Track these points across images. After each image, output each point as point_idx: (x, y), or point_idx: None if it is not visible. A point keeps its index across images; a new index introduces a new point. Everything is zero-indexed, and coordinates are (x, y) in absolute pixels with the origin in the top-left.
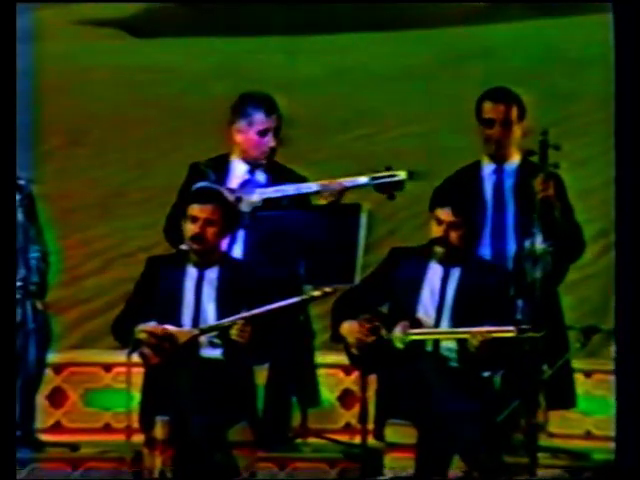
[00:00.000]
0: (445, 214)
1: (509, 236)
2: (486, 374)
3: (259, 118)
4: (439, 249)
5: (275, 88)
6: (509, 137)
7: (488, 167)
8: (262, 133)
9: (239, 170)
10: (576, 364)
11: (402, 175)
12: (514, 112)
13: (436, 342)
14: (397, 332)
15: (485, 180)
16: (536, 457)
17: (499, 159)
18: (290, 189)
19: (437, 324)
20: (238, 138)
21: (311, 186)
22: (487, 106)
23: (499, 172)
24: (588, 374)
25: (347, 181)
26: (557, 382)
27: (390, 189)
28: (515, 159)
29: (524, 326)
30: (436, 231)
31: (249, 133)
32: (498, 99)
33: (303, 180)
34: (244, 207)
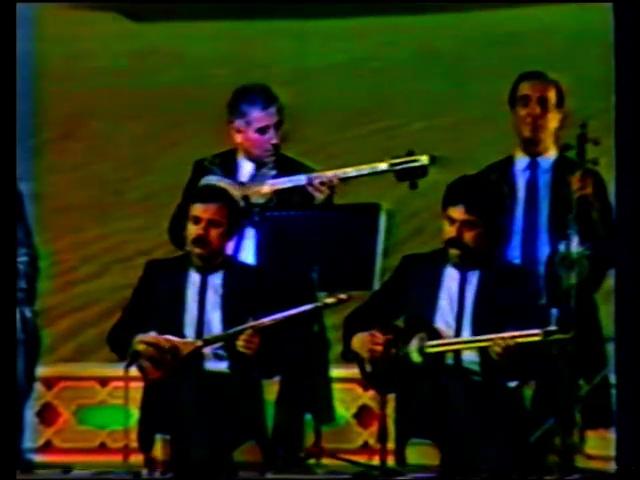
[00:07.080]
0: (457, 212)
1: (542, 238)
2: (512, 384)
3: (256, 115)
4: (453, 251)
5: (285, 76)
6: (546, 120)
7: (521, 162)
8: (261, 131)
9: (246, 168)
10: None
11: (424, 160)
12: (552, 93)
13: (457, 354)
14: (414, 345)
15: (518, 176)
16: None
17: (534, 149)
18: (302, 179)
19: (457, 334)
20: (238, 138)
21: (323, 176)
22: (524, 85)
23: (533, 167)
24: None
25: (364, 169)
26: (595, 399)
27: (412, 176)
28: (551, 153)
29: (550, 328)
30: (449, 231)
31: (248, 132)
32: (535, 78)
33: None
34: (253, 200)
